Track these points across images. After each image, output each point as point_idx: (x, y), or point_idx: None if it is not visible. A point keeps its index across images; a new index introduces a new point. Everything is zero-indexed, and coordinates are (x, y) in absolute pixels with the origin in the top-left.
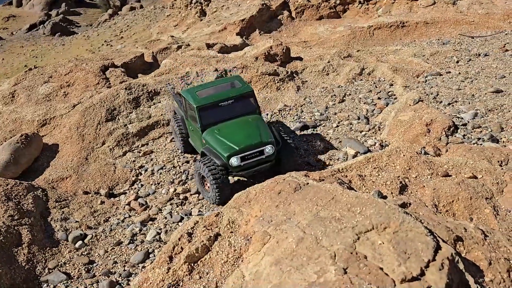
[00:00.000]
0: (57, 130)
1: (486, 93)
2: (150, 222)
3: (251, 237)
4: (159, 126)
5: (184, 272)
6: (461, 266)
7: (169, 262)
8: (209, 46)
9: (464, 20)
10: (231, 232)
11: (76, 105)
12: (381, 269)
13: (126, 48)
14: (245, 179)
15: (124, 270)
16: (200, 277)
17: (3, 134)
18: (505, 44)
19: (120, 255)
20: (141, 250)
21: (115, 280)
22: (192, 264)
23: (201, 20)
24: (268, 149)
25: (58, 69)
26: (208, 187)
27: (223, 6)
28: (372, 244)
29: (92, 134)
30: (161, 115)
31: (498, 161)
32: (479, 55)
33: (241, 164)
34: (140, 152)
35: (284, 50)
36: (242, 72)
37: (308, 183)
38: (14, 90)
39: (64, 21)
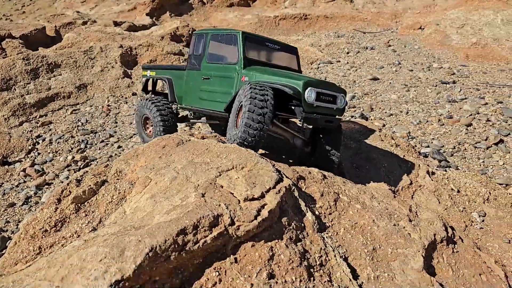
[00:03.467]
0: None
1: (365, 80)
2: (46, 186)
3: (135, 182)
4: (59, 98)
5: (71, 211)
6: (296, 193)
7: (57, 203)
8: (116, 24)
9: (359, 17)
10: (117, 179)
11: None
12: (232, 193)
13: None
14: None
15: (17, 228)
16: (86, 215)
17: None
18: (389, 40)
19: (13, 216)
20: (35, 210)
21: (7, 236)
22: (79, 205)
23: None
24: (341, 99)
25: None
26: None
27: None
28: (230, 179)
29: None
30: (62, 87)
31: (359, 131)
32: (367, 48)
33: (314, 102)
34: (38, 123)
35: (190, 32)
36: (147, 50)
37: (190, 140)
38: None
39: None
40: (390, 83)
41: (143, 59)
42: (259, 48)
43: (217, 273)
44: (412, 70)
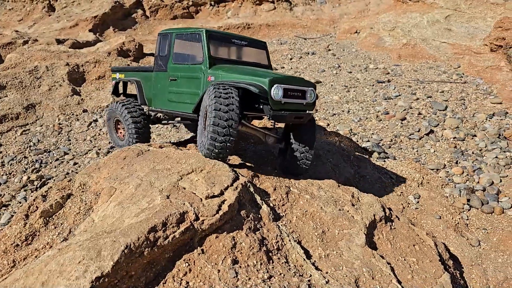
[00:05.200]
0: None
1: None
2: (4, 208)
3: (100, 193)
4: (7, 120)
5: (40, 225)
6: (251, 189)
7: (25, 219)
8: (59, 41)
9: (299, 24)
10: (82, 191)
11: None
12: (194, 193)
13: None
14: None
15: None
16: (55, 227)
17: None
18: (328, 45)
19: None
20: None
21: None
22: (47, 218)
23: (50, 15)
24: (311, 93)
25: None
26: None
27: (73, 2)
28: (191, 181)
29: None
30: (9, 109)
31: None
32: (308, 53)
33: (282, 99)
34: None
35: (136, 47)
36: (95, 67)
37: (149, 149)
38: None
39: None
40: (332, 85)
41: (91, 76)
42: (225, 45)
43: (187, 264)
44: (351, 72)
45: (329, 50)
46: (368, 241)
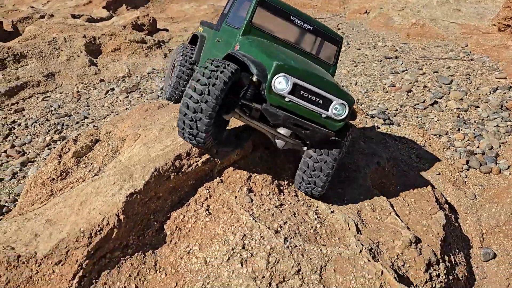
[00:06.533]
0: None
1: None
2: (30, 164)
3: (125, 139)
4: (29, 87)
5: (73, 163)
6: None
7: (59, 158)
8: (74, 17)
9: (309, 4)
10: (109, 138)
11: None
12: None
13: None
14: None
15: (9, 197)
16: (86, 166)
17: None
18: (338, 24)
19: (3, 189)
20: (24, 182)
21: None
22: (79, 159)
23: None
24: (338, 107)
25: None
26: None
27: None
28: None
29: None
30: (30, 76)
31: None
32: None
33: (287, 95)
34: (10, 110)
35: (150, 21)
36: (111, 39)
37: (169, 103)
38: None
39: None
40: (340, 60)
41: (107, 48)
42: (280, 20)
43: (207, 191)
44: (359, 49)
45: (339, 29)
46: (372, 184)
